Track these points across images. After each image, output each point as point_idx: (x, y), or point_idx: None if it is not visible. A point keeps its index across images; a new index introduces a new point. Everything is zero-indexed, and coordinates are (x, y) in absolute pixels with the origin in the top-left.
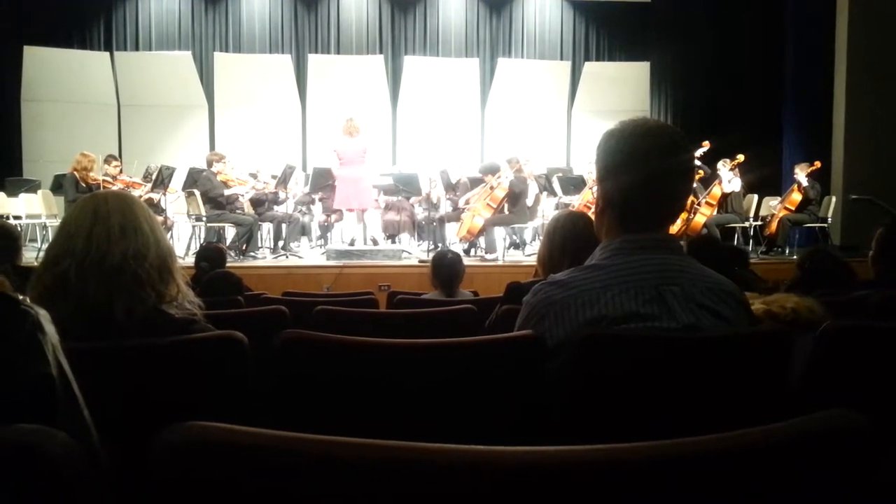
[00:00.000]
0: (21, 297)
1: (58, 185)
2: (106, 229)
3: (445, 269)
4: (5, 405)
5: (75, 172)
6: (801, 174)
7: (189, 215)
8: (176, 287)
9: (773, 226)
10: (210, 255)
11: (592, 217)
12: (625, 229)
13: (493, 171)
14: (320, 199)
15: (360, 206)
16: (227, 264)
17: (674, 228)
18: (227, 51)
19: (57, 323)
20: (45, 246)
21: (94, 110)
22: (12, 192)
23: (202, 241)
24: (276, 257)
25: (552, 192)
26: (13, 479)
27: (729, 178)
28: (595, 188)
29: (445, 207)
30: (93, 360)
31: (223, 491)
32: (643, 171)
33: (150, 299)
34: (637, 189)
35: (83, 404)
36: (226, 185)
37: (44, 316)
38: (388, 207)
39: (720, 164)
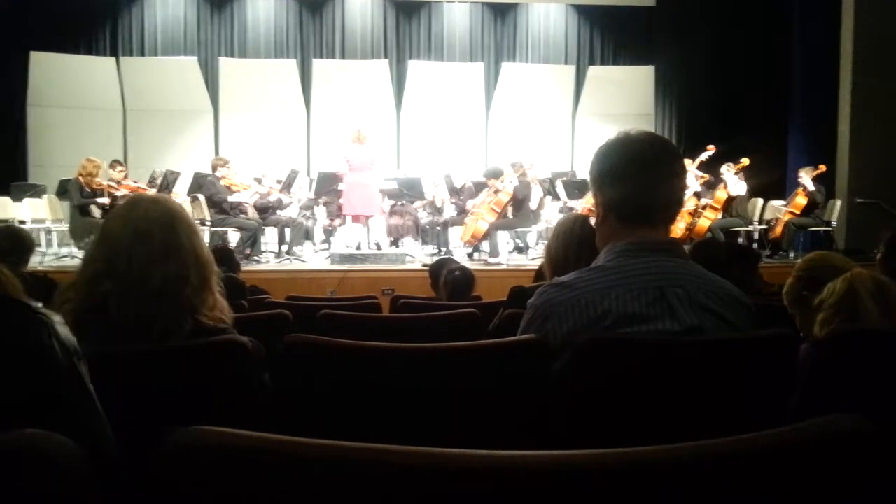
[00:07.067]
0: (35, 304)
1: (63, 190)
2: (146, 250)
3: (460, 284)
4: (15, 411)
5: (80, 177)
6: (806, 178)
7: (194, 220)
8: (213, 298)
9: (778, 230)
10: (222, 256)
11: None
12: (628, 233)
13: (496, 175)
14: (324, 204)
15: (367, 213)
16: None
17: (678, 232)
18: (232, 56)
19: (93, 339)
20: (49, 251)
21: (100, 115)
22: (17, 197)
23: (207, 245)
24: (279, 261)
25: (556, 197)
26: (15, 484)
27: (734, 182)
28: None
29: (449, 211)
30: (98, 364)
31: (227, 496)
32: (643, 175)
33: (188, 324)
34: (637, 193)
35: (99, 406)
36: (229, 190)
37: (58, 322)
38: (391, 212)
39: (724, 168)
